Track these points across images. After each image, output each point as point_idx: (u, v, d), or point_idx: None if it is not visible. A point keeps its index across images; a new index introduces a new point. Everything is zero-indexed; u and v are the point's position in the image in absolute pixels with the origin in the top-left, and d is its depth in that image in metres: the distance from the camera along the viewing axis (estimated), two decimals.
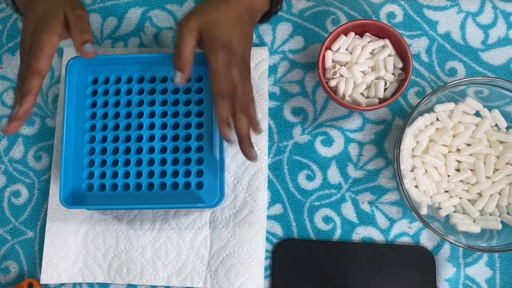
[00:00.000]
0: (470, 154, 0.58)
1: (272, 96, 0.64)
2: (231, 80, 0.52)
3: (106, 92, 0.61)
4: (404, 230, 0.60)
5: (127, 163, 0.59)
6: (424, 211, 0.56)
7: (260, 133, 0.55)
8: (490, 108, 0.58)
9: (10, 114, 0.50)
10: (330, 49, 0.60)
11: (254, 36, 0.65)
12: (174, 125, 0.59)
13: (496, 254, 0.59)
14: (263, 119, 0.62)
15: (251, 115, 0.53)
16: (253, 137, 0.61)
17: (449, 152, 0.58)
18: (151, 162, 0.59)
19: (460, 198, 0.58)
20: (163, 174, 0.58)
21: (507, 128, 0.58)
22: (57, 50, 0.52)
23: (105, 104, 0.60)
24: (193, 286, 0.60)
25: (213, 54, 0.52)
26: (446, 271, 0.59)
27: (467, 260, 0.59)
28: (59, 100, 0.65)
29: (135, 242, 0.61)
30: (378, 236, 0.60)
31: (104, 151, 0.59)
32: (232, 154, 0.62)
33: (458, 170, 0.58)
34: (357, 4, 0.65)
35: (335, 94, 0.59)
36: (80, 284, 0.61)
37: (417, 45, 0.64)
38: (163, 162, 0.59)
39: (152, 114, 0.60)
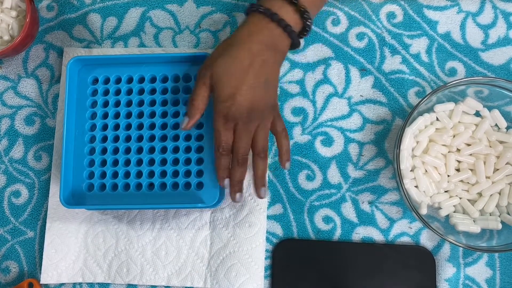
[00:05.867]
0: (470, 154, 0.58)
1: None
2: (227, 137, 0.53)
3: (106, 92, 0.61)
4: (404, 230, 0.60)
5: (127, 163, 0.59)
6: (424, 211, 0.56)
7: (262, 197, 0.56)
8: (490, 108, 0.58)
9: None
10: None
11: None
12: (174, 125, 0.59)
13: (496, 254, 0.59)
14: None
15: (259, 171, 0.55)
16: None
17: (449, 152, 0.58)
18: (151, 162, 0.59)
19: (460, 198, 0.58)
20: (163, 174, 0.58)
21: (507, 128, 0.58)
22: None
23: (105, 104, 0.60)
24: (193, 286, 0.60)
25: (215, 110, 0.53)
26: (446, 271, 0.59)
27: (467, 260, 0.59)
28: (59, 100, 0.65)
29: (135, 242, 0.61)
30: (378, 236, 0.60)
31: (104, 151, 0.59)
32: None
33: (458, 170, 0.58)
34: (357, 4, 0.65)
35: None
36: (80, 284, 0.61)
37: (417, 45, 0.64)
38: (163, 162, 0.59)
39: (152, 114, 0.60)
